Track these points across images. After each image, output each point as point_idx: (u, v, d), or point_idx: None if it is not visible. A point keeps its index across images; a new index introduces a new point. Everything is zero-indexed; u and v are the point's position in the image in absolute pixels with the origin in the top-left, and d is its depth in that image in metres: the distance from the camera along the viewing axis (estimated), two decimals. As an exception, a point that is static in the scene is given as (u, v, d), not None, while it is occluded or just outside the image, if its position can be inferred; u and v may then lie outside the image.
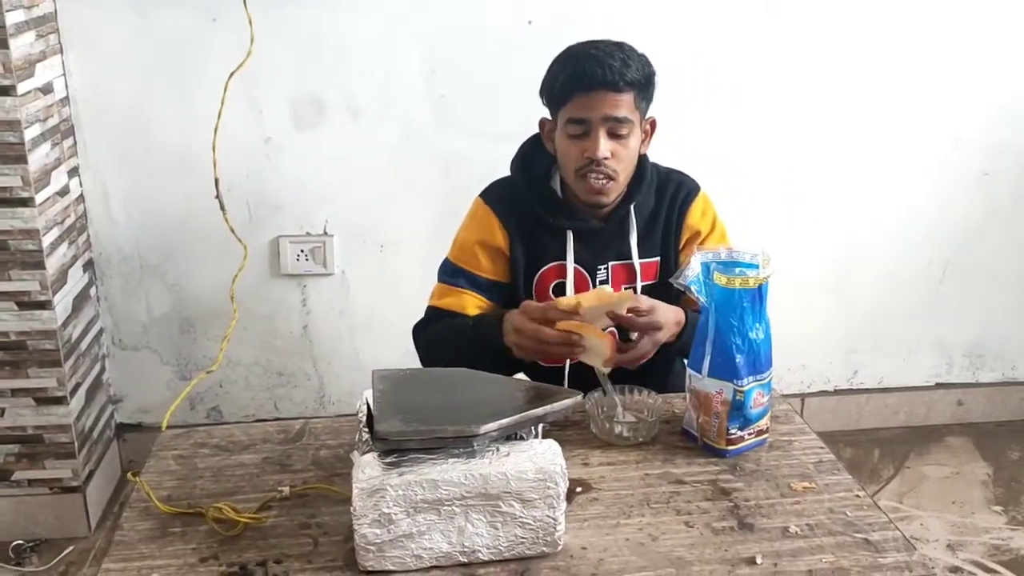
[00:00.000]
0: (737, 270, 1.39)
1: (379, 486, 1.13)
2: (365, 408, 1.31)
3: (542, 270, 1.69)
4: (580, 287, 1.68)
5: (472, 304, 1.68)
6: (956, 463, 2.72)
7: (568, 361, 1.69)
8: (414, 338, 1.73)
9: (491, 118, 2.38)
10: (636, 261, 1.68)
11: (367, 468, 1.16)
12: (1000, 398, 2.93)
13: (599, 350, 1.46)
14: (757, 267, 1.39)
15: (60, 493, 2.28)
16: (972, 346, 2.88)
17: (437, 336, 1.68)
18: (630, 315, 1.49)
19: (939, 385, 2.91)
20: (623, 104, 1.55)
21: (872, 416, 2.88)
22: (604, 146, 1.55)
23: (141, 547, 1.23)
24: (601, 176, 1.57)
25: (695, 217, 1.71)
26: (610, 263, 1.68)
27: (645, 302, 1.51)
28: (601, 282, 1.69)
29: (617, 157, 1.57)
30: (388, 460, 1.16)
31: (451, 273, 1.71)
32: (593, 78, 1.52)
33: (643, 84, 1.57)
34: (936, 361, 2.88)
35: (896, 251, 2.73)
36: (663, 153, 1.75)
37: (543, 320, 1.45)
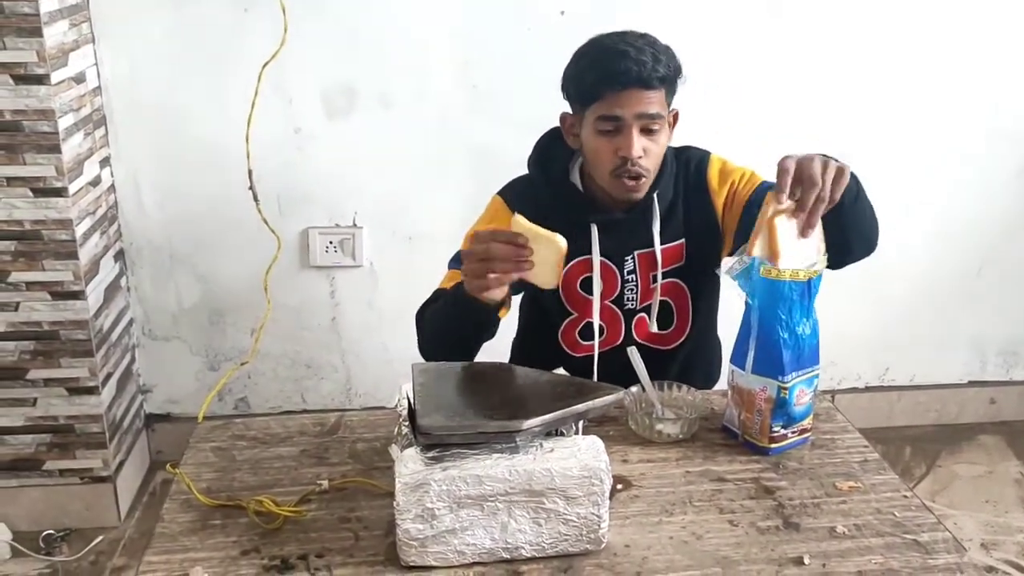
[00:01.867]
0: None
1: (423, 481, 1.12)
2: (405, 402, 1.29)
3: (568, 266, 1.65)
4: (608, 280, 1.66)
5: None
6: (989, 462, 2.69)
7: (596, 349, 1.67)
8: (416, 321, 1.66)
9: (523, 109, 2.34)
10: (657, 248, 1.64)
11: (410, 463, 1.14)
12: (1034, 396, 2.90)
13: (547, 260, 1.37)
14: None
15: (90, 483, 2.28)
16: (1007, 343, 2.84)
17: (431, 311, 1.61)
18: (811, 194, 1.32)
19: (972, 383, 2.87)
20: (655, 101, 1.51)
21: (903, 414, 2.85)
22: (638, 145, 1.52)
23: (183, 539, 1.22)
24: (635, 175, 1.54)
25: (715, 181, 1.66)
26: (635, 252, 1.66)
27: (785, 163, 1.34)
28: (629, 272, 1.66)
29: (649, 154, 1.54)
30: (431, 455, 1.15)
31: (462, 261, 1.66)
32: (628, 76, 1.49)
33: (672, 79, 1.55)
34: (969, 359, 2.85)
35: (931, 248, 2.69)
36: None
37: (489, 241, 1.38)
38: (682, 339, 1.73)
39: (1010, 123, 2.59)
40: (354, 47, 2.31)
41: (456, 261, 1.67)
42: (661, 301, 1.69)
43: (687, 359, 1.74)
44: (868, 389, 2.83)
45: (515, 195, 1.68)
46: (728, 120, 2.45)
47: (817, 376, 1.43)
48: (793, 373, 1.37)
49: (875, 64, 2.49)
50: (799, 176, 1.32)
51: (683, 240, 1.67)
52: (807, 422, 1.43)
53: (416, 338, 1.66)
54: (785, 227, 1.32)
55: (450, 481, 1.12)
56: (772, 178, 1.35)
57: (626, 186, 1.56)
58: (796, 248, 1.33)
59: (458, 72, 2.37)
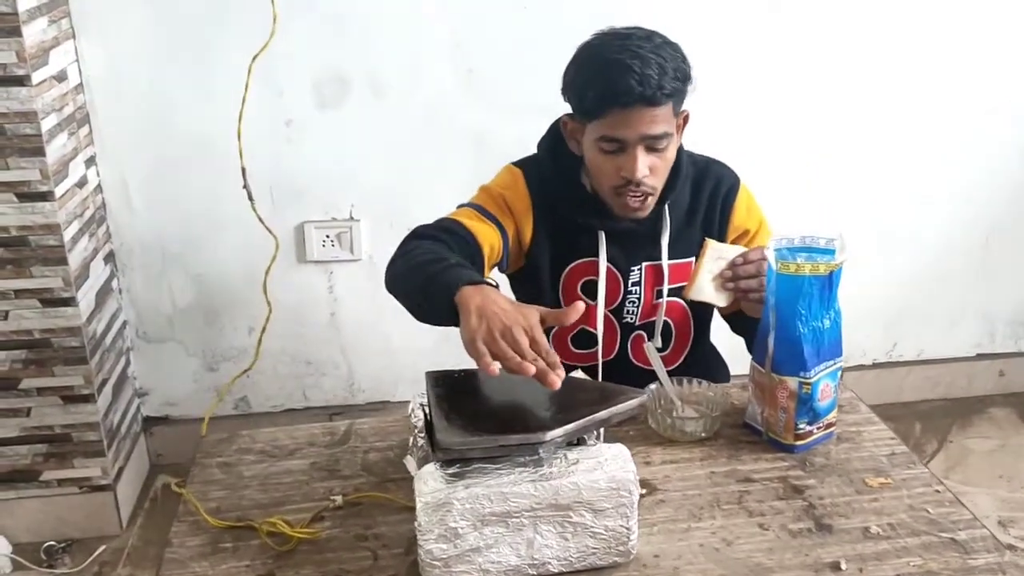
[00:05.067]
0: (809, 255, 1.32)
1: (445, 500, 1.07)
2: (420, 412, 1.24)
3: (571, 266, 1.58)
4: (611, 288, 1.58)
5: (491, 235, 1.50)
6: (1001, 435, 2.67)
7: (600, 358, 1.62)
8: (403, 242, 1.49)
9: (520, 92, 2.29)
10: (665, 263, 1.57)
11: (430, 480, 1.10)
12: (1043, 367, 2.87)
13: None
14: (832, 253, 1.32)
15: (90, 492, 2.23)
16: (1016, 314, 2.81)
17: (414, 261, 1.40)
18: (750, 269, 1.46)
19: (980, 356, 2.84)
20: (661, 119, 1.41)
21: (912, 389, 2.82)
22: (643, 165, 1.42)
23: (193, 565, 1.17)
24: (639, 195, 1.46)
25: (741, 216, 1.61)
26: (644, 263, 1.58)
27: (758, 253, 1.46)
28: (633, 284, 1.59)
29: (655, 171, 1.45)
30: (451, 471, 1.10)
31: (479, 209, 1.54)
32: (630, 95, 1.37)
33: (681, 90, 1.43)
34: (978, 331, 2.82)
35: (937, 220, 2.65)
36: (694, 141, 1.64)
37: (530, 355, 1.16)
38: (679, 361, 1.66)
39: (1014, 93, 2.54)
40: (343, 34, 2.24)
41: (472, 207, 1.56)
42: (663, 322, 1.61)
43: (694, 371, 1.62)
44: (876, 365, 2.79)
45: (533, 176, 1.57)
46: (757, 98, 2.41)
47: (840, 369, 1.39)
48: (815, 368, 1.33)
49: (879, 38, 2.44)
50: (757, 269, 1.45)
51: (693, 259, 1.59)
52: (832, 416, 1.39)
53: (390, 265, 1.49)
54: (711, 268, 1.49)
55: (474, 499, 1.07)
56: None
57: (630, 206, 1.48)
58: (708, 289, 1.49)
59: (451, 56, 2.29)
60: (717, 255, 1.48)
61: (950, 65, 2.49)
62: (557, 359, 1.16)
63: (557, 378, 1.13)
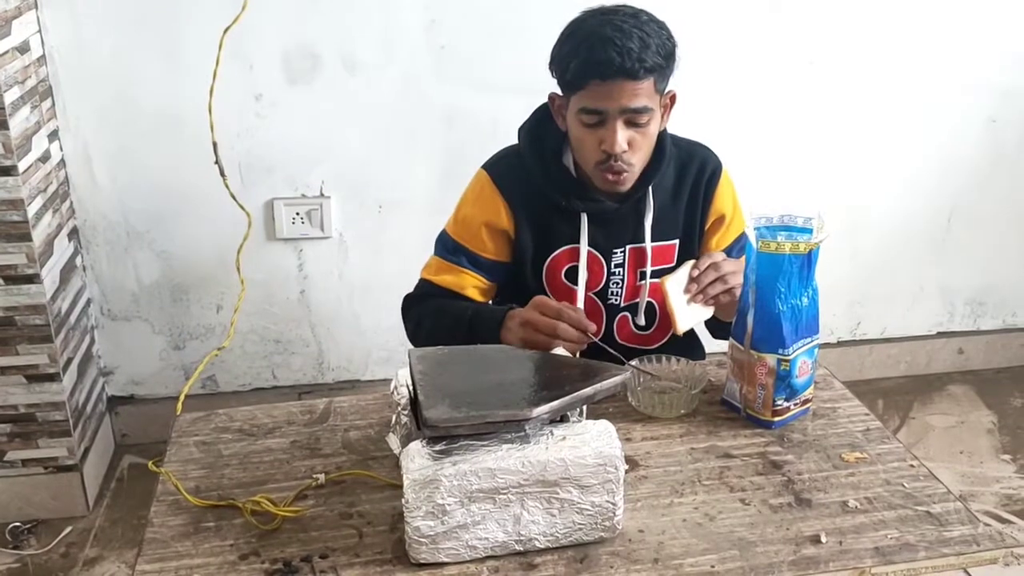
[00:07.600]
0: (789, 234, 1.33)
1: (432, 477, 1.07)
2: (403, 390, 1.24)
3: (553, 254, 1.59)
4: (594, 271, 1.59)
5: (471, 284, 1.59)
6: (960, 412, 2.73)
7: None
8: (403, 310, 1.64)
9: (495, 70, 2.28)
10: (648, 245, 1.58)
11: (417, 457, 1.09)
12: (1000, 345, 2.93)
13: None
14: (810, 231, 1.33)
15: (56, 472, 2.19)
16: (975, 293, 2.87)
17: (430, 315, 1.58)
18: (710, 274, 1.47)
19: (940, 334, 2.90)
20: (642, 93, 1.41)
21: (874, 366, 2.87)
22: (622, 139, 1.43)
23: (175, 545, 1.16)
24: (618, 170, 1.47)
25: (722, 200, 1.62)
26: (627, 246, 1.59)
27: (707, 259, 1.49)
28: (616, 266, 1.59)
29: (635, 147, 1.46)
30: (438, 448, 1.10)
31: (451, 250, 1.60)
32: (610, 67, 1.38)
33: (663, 67, 1.43)
34: (938, 309, 2.87)
35: (902, 200, 2.69)
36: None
37: (557, 318, 1.38)
38: (664, 340, 1.67)
39: (978, 73, 2.58)
40: (316, 8, 2.20)
41: (446, 250, 1.61)
42: (646, 302, 1.63)
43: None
44: (840, 344, 2.84)
45: (503, 176, 1.58)
46: (731, 79, 2.42)
47: (817, 346, 1.40)
48: (794, 345, 1.34)
49: (847, 26, 2.46)
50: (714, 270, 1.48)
51: (676, 241, 1.61)
52: (808, 393, 1.41)
53: (405, 327, 1.63)
54: (679, 298, 1.50)
55: (461, 476, 1.08)
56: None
57: (608, 180, 1.49)
58: (688, 311, 1.50)
59: (425, 32, 2.27)
60: (676, 287, 1.49)
61: (913, 49, 2.52)
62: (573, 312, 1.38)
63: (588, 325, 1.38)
